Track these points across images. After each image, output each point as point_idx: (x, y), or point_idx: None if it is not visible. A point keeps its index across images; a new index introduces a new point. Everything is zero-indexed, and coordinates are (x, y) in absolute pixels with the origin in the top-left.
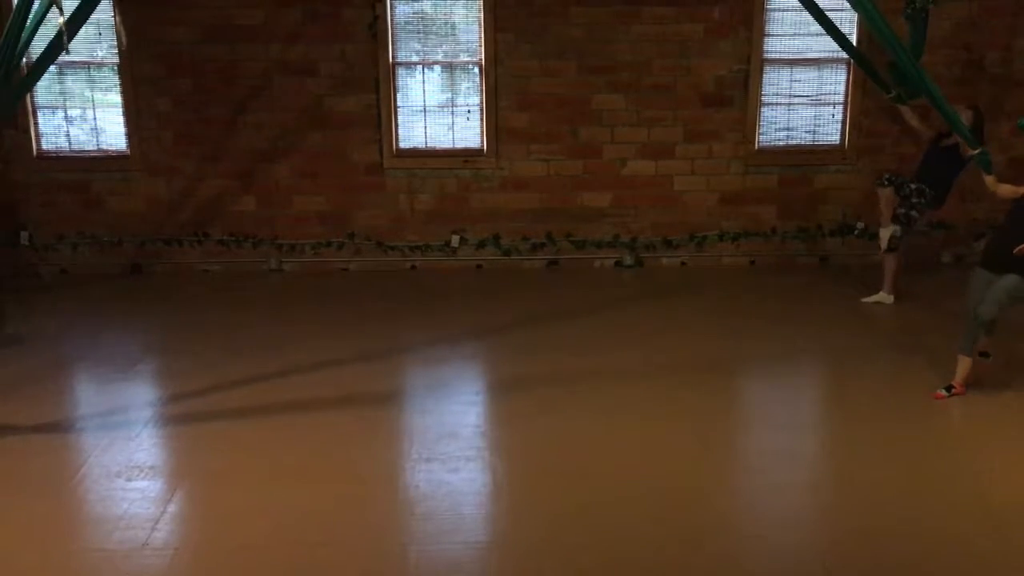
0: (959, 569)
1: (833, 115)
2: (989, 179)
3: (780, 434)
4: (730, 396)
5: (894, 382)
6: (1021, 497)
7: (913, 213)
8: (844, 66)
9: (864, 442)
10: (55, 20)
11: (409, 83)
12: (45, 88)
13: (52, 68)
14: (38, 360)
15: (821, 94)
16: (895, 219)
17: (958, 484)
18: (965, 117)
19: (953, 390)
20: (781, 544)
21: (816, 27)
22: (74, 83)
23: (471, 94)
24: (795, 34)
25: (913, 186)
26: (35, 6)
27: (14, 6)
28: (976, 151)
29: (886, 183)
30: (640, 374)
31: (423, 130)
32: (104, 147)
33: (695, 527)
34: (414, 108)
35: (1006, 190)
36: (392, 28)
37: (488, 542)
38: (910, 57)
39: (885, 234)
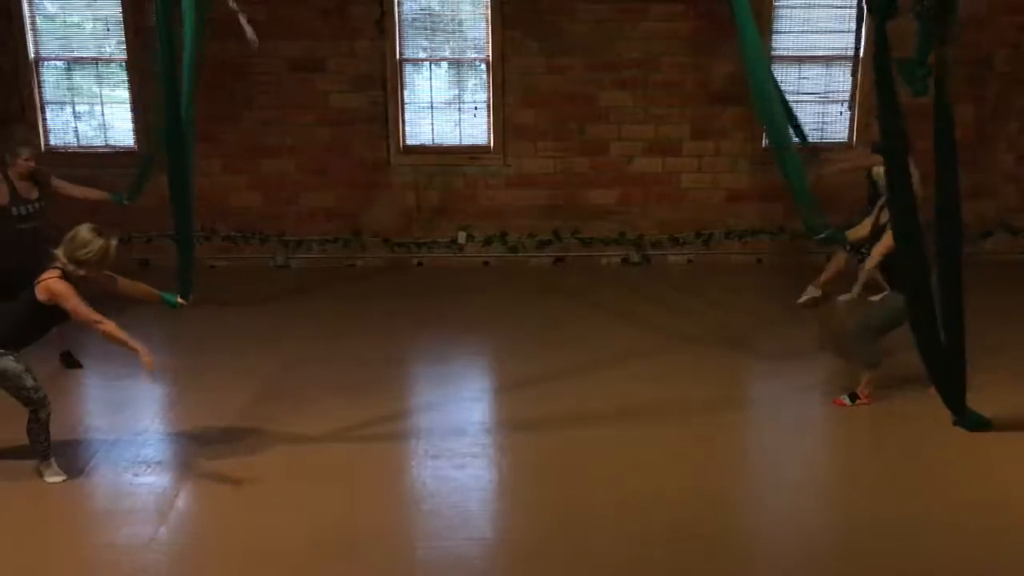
0: (971, 569)
1: (841, 113)
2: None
3: (787, 435)
4: (736, 396)
5: (901, 381)
6: None
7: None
8: (850, 64)
9: (872, 440)
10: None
11: (416, 80)
12: (53, 84)
13: (60, 64)
14: (45, 356)
15: (829, 92)
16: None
17: (970, 485)
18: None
19: (858, 400)
20: (787, 544)
21: (824, 24)
22: (82, 79)
23: (478, 91)
24: (803, 31)
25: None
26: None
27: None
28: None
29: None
30: (647, 373)
31: (430, 127)
32: (112, 143)
33: (700, 525)
34: (421, 105)
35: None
36: (399, 25)
37: (494, 538)
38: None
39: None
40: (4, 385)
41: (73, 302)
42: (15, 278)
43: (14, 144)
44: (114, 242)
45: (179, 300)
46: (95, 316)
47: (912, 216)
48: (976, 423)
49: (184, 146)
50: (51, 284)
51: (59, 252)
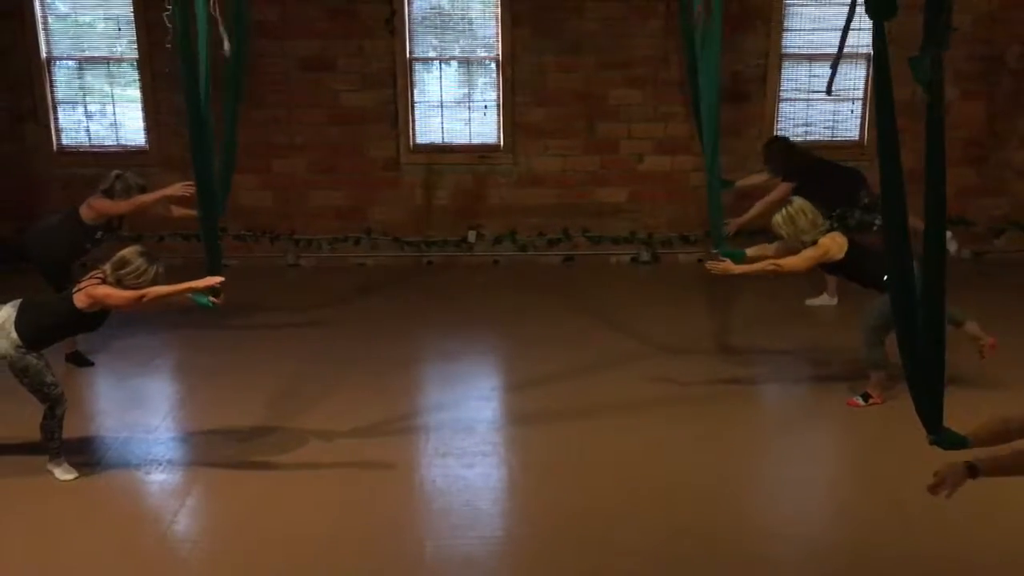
0: (978, 569)
1: (852, 111)
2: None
3: (793, 431)
4: (745, 395)
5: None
6: None
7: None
8: (863, 61)
9: (880, 439)
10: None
11: (426, 78)
12: (65, 83)
13: (71, 64)
14: (56, 355)
15: (840, 89)
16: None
17: (980, 484)
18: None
19: (871, 400)
20: (794, 541)
21: (834, 22)
22: (94, 79)
23: (488, 89)
24: (814, 29)
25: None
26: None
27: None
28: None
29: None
30: (656, 371)
31: (440, 125)
32: (123, 142)
33: (709, 523)
34: (431, 103)
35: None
36: (409, 23)
37: (503, 537)
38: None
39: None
40: (24, 381)
41: (116, 296)
42: (49, 269)
43: (133, 180)
44: (162, 270)
45: (211, 300)
46: (137, 294)
47: (902, 221)
48: (953, 442)
49: (207, 144)
50: (92, 291)
51: (106, 269)
